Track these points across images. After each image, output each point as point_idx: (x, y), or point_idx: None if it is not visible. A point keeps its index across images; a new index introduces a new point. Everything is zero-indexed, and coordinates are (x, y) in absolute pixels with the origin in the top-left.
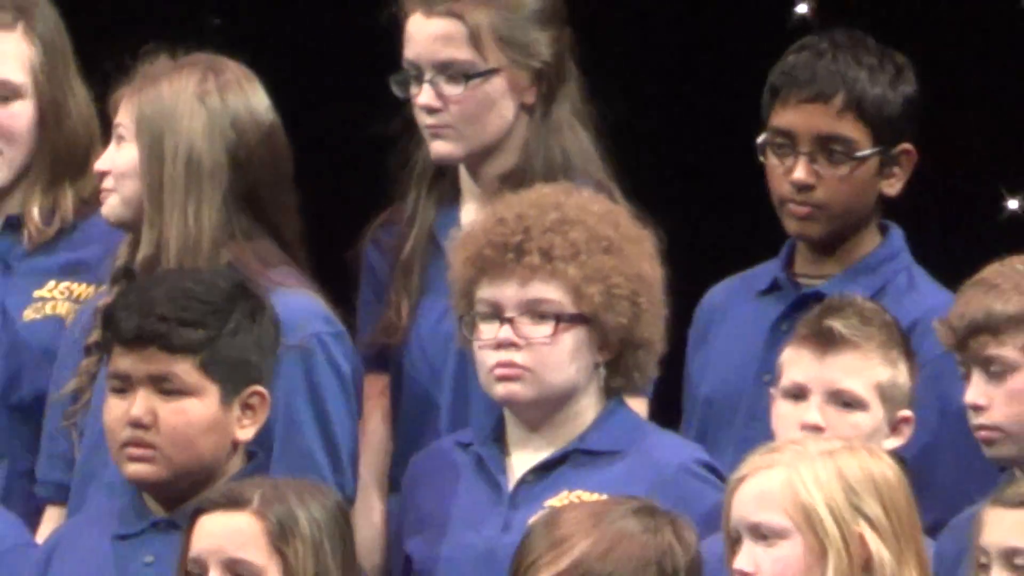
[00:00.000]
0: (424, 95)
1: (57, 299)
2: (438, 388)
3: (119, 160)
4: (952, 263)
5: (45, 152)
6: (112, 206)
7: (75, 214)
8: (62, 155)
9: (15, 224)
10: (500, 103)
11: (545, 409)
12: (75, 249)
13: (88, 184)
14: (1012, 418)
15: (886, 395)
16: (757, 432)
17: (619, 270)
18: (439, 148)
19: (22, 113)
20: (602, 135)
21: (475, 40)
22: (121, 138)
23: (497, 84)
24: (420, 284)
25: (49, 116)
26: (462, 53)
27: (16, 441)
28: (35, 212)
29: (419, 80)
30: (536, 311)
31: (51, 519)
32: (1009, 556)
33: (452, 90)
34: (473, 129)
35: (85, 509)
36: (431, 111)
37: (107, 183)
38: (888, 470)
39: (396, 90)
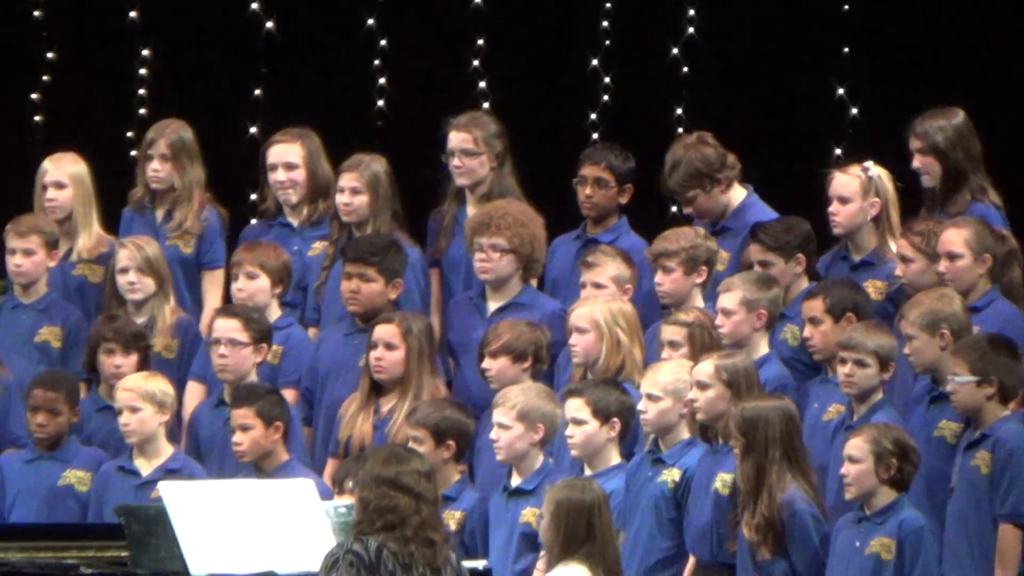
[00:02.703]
0: (456, 161)
1: (319, 249)
2: (457, 275)
3: (359, 200)
4: (649, 233)
5: (309, 190)
6: (354, 217)
7: (324, 213)
8: (315, 191)
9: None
10: (484, 165)
11: (500, 284)
12: (322, 229)
13: (329, 203)
14: (672, 290)
15: (616, 281)
16: (575, 294)
17: (527, 232)
18: (460, 180)
19: (300, 175)
20: (521, 182)
21: (475, 141)
22: (359, 191)
23: (482, 158)
24: (450, 233)
25: (309, 176)
26: (468, 145)
27: (301, 303)
28: (304, 212)
29: (452, 155)
30: (495, 248)
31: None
32: (674, 346)
33: (466, 158)
34: (472, 175)
35: (330, 325)
36: (456, 168)
37: (350, 208)
38: (628, 307)
39: (444, 159)
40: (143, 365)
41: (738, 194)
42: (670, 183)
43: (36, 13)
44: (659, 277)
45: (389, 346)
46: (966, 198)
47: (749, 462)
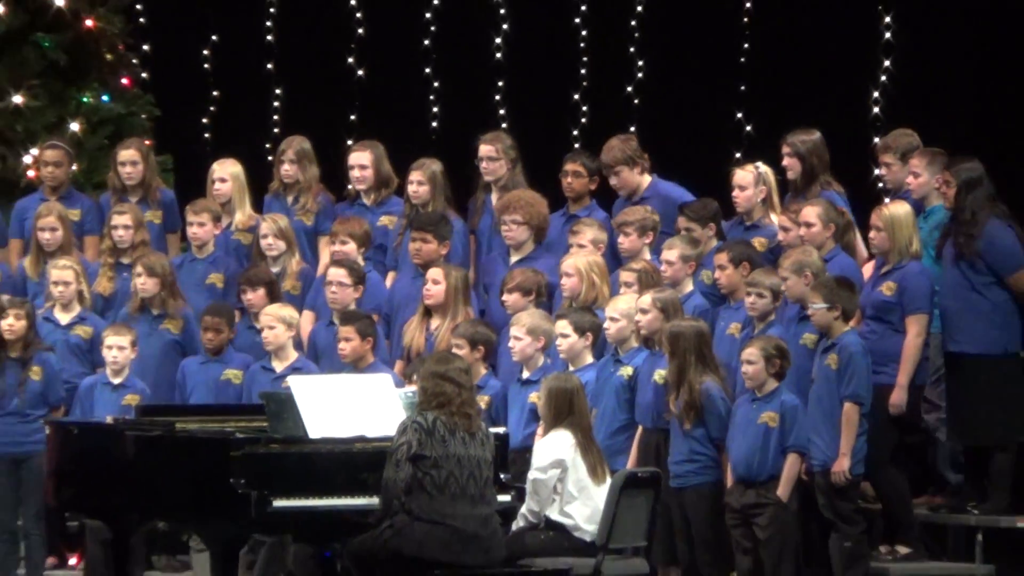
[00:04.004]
0: (484, 163)
1: (386, 222)
2: (484, 240)
3: (423, 189)
4: (609, 209)
5: (375, 183)
6: (419, 200)
7: (386, 197)
8: (380, 183)
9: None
10: (503, 165)
11: (519, 245)
12: (386, 208)
13: (391, 191)
14: (630, 248)
15: (593, 243)
16: (564, 251)
17: (536, 211)
18: (487, 177)
19: (368, 173)
20: (527, 177)
21: (497, 151)
22: (423, 183)
23: (502, 162)
24: (481, 212)
25: (375, 173)
26: (492, 153)
27: (376, 257)
28: (372, 197)
29: (482, 160)
30: (515, 222)
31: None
32: (628, 285)
33: (491, 162)
34: (495, 174)
35: (402, 272)
36: (484, 169)
37: (416, 194)
38: (600, 260)
39: (476, 162)
40: (269, 298)
41: (647, 179)
42: (606, 159)
43: (206, 65)
44: (621, 239)
45: (435, 282)
46: (817, 189)
47: (674, 364)
